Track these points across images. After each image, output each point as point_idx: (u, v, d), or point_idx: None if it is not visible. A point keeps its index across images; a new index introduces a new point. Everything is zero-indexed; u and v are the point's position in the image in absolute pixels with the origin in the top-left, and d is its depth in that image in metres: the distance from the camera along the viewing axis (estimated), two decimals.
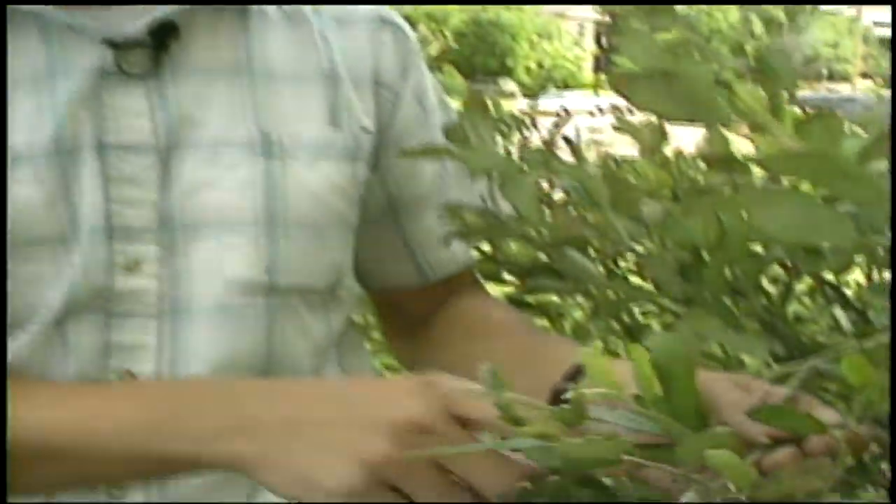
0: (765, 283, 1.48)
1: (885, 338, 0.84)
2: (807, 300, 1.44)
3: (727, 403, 0.78)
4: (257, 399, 0.82)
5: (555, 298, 1.74)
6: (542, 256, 1.47)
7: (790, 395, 0.80)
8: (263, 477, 0.79)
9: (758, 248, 1.15)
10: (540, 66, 41.56)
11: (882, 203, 0.50)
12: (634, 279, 1.23)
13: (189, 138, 0.97)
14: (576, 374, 0.93)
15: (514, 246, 1.54)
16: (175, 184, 0.96)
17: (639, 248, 1.15)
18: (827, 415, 0.75)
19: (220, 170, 0.97)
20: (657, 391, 0.72)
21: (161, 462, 0.83)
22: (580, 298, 1.71)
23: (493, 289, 1.35)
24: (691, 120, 0.57)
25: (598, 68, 42.17)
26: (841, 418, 0.74)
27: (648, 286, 1.13)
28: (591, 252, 1.38)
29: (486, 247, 1.53)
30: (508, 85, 27.16)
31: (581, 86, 38.30)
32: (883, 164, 0.52)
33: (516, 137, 1.19)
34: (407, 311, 1.20)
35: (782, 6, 1.29)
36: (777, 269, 1.44)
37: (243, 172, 0.97)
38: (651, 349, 0.73)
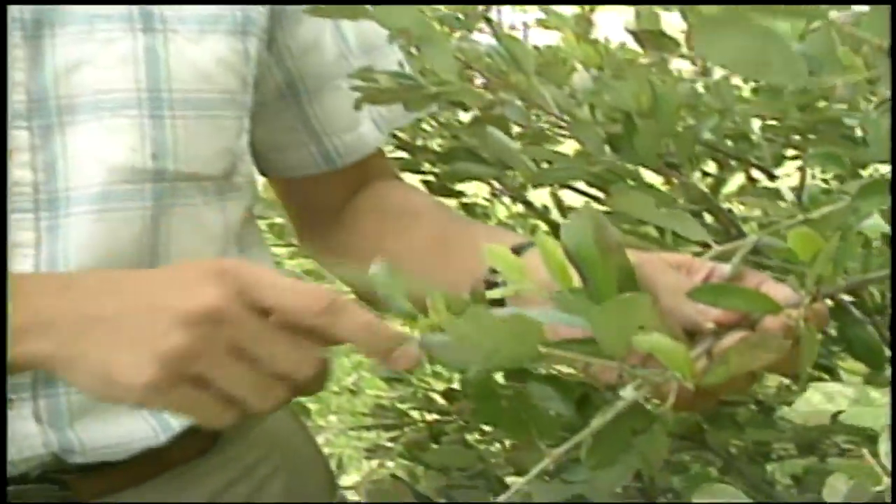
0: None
1: (829, 208, 0.76)
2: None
3: (664, 287, 0.70)
4: (54, 294, 0.76)
5: (482, 200, 1.66)
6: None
7: (735, 272, 0.72)
8: (67, 376, 0.74)
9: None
10: None
11: None
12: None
13: (59, 11, 0.87)
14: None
15: (429, 129, 1.46)
16: (46, 62, 0.87)
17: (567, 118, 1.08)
18: (780, 292, 0.67)
19: (96, 45, 0.88)
20: (572, 282, 0.63)
21: None
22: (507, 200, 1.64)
23: (411, 179, 1.27)
24: None
25: None
26: (797, 295, 0.66)
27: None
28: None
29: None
30: None
31: None
32: None
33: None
34: (315, 202, 1.11)
35: None
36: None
37: (122, 48, 0.89)
38: (562, 236, 0.64)
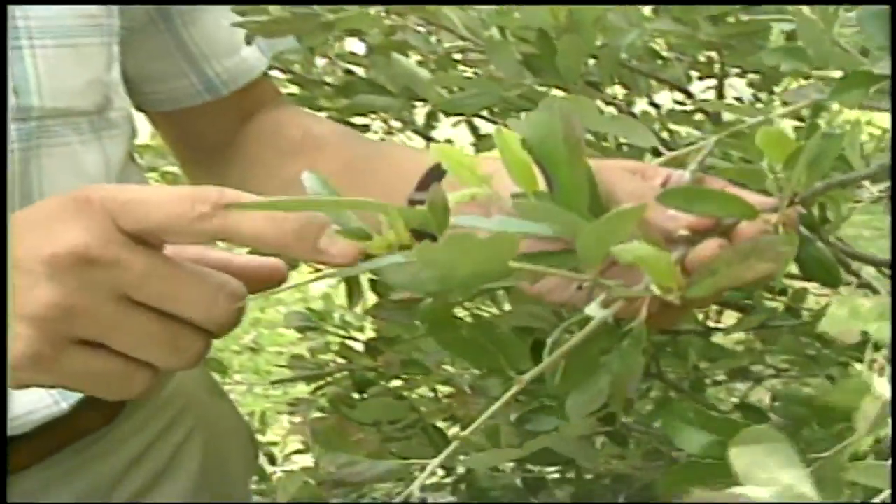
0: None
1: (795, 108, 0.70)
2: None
3: (625, 193, 0.63)
4: None
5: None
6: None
7: (694, 178, 0.66)
8: None
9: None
10: None
11: None
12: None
13: None
14: (432, 180, 0.77)
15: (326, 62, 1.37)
16: None
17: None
18: (751, 197, 0.61)
19: None
20: (537, 184, 0.56)
21: None
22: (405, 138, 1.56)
23: None
24: None
25: None
26: (772, 200, 0.60)
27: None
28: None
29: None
30: None
31: None
32: None
33: None
34: (203, 135, 1.02)
35: None
36: None
37: None
38: (523, 131, 0.56)
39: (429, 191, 0.52)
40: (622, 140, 1.06)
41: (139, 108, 1.00)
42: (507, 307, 0.89)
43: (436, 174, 0.77)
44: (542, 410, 0.66)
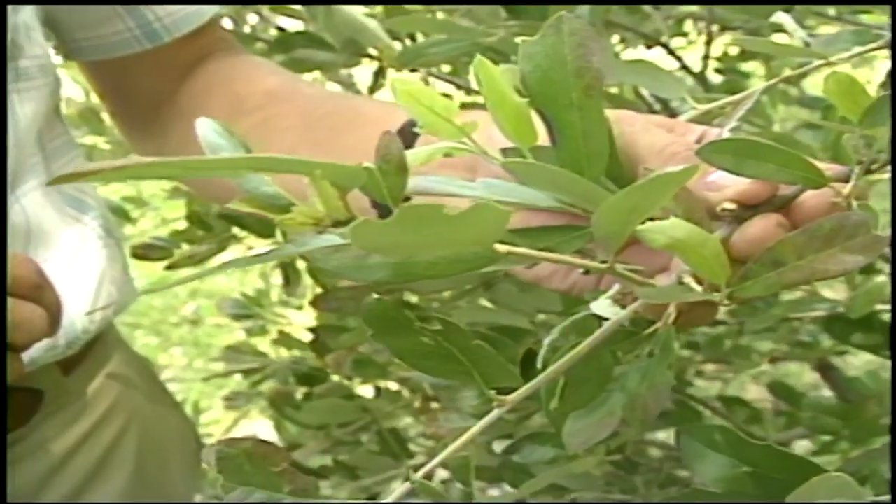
0: None
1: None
2: None
3: (650, 150, 0.48)
4: None
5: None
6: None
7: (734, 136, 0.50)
8: None
9: None
10: None
11: None
12: None
13: None
14: (407, 138, 0.62)
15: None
16: None
17: None
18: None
19: None
20: (535, 136, 0.40)
21: None
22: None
23: None
24: None
25: None
26: (843, 167, 0.45)
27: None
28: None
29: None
30: None
31: None
32: None
33: None
34: (140, 89, 0.87)
35: None
36: None
37: None
38: (520, 64, 0.41)
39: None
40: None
41: (66, 57, 0.86)
42: (484, 301, 0.73)
43: (412, 130, 0.63)
44: (534, 438, 0.51)
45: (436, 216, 0.31)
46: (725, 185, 0.45)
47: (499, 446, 0.67)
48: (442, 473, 0.46)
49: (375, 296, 0.39)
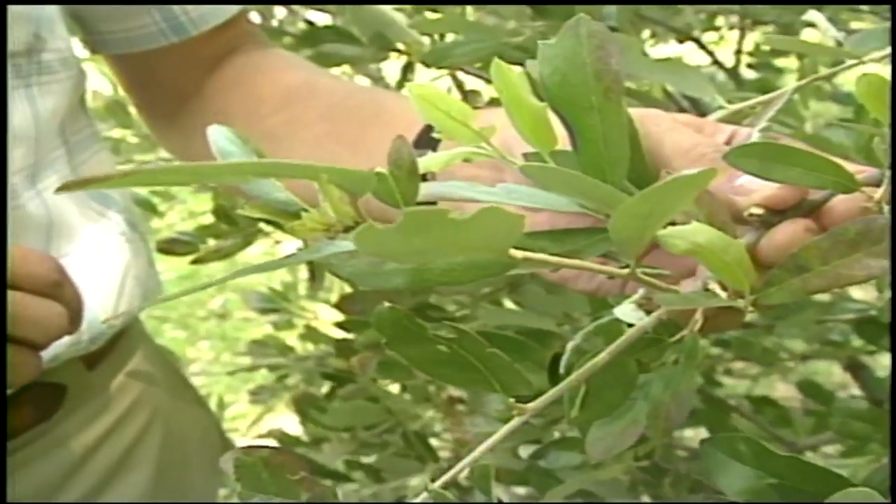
0: None
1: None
2: None
3: (677, 151, 0.47)
4: None
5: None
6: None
7: (765, 137, 0.49)
8: None
9: None
10: None
11: None
12: None
13: None
14: (427, 140, 0.61)
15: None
16: None
17: None
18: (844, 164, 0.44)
19: None
20: (555, 139, 0.39)
21: None
22: None
23: None
24: None
25: None
26: (875, 170, 0.44)
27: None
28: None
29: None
30: None
31: None
32: None
33: None
34: (166, 83, 0.86)
35: None
36: None
37: None
38: (539, 66, 0.40)
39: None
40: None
41: (92, 50, 0.85)
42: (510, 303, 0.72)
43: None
44: (560, 444, 0.50)
45: (441, 221, 0.30)
46: (753, 190, 0.44)
47: (525, 451, 0.66)
48: (466, 473, 0.45)
49: (387, 304, 0.38)
